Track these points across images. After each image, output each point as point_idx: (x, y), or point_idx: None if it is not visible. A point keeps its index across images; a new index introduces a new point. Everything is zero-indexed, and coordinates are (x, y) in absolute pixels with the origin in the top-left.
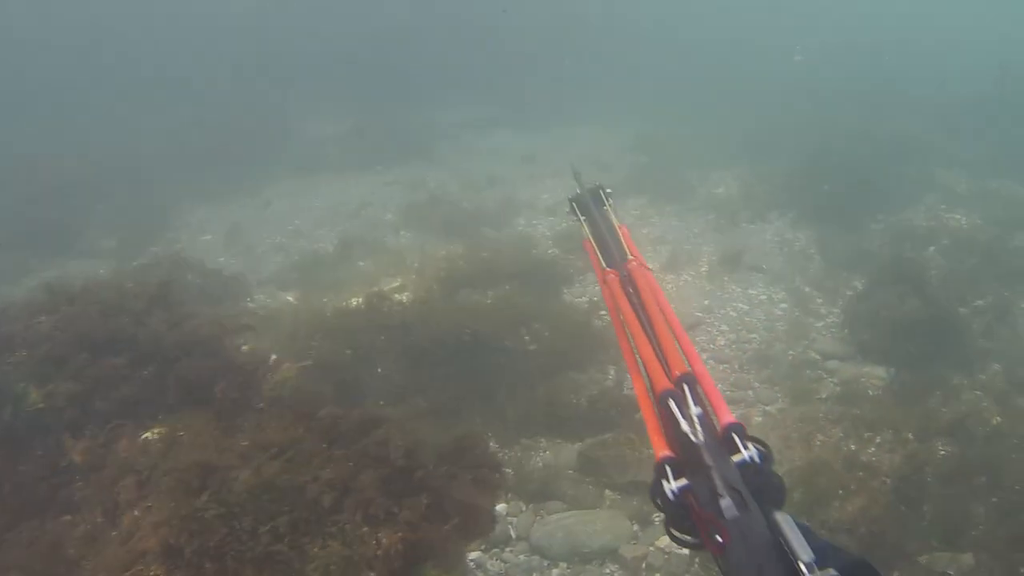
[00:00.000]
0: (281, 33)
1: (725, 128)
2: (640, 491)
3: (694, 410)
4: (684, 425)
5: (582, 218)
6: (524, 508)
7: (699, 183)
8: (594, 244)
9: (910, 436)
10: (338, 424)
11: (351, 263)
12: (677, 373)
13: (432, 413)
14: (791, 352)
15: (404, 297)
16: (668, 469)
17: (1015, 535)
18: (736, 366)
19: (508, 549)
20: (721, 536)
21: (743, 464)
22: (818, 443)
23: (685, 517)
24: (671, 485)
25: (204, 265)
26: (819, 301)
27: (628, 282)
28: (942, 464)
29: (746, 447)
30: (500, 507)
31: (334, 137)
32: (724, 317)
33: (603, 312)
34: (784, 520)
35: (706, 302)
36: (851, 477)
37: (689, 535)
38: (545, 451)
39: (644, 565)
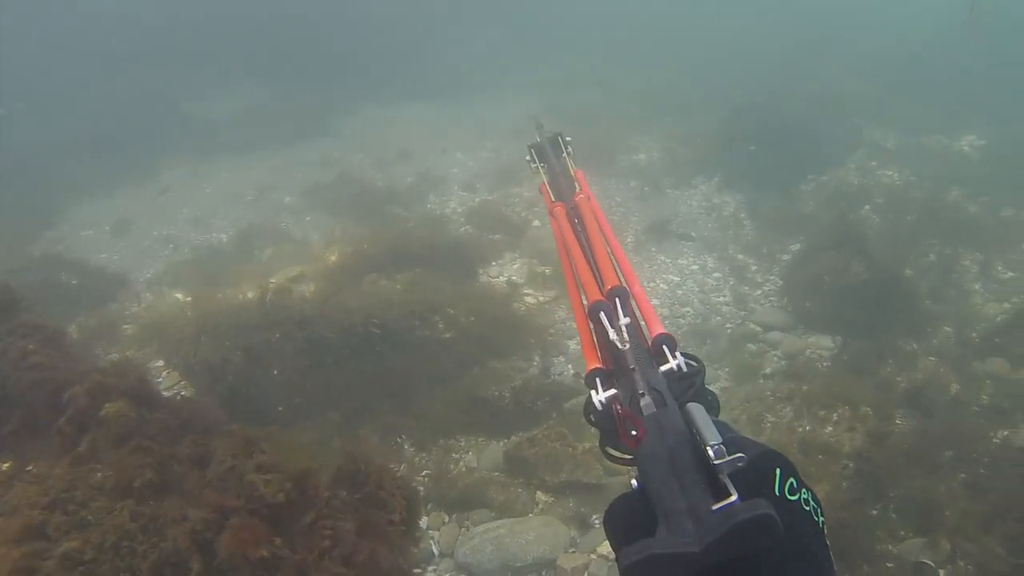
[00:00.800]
0: (166, 14)
1: (647, 93)
2: (577, 491)
3: (622, 320)
4: (612, 334)
5: (542, 165)
6: (447, 520)
7: (620, 150)
8: (548, 185)
9: (868, 411)
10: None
11: (250, 254)
12: (609, 287)
13: (333, 419)
14: (729, 325)
15: (305, 287)
16: (597, 380)
17: (989, 515)
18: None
19: (431, 569)
20: (636, 430)
21: (669, 372)
22: (769, 425)
23: (615, 431)
24: (599, 396)
25: (86, 264)
26: (754, 268)
27: (575, 214)
28: (905, 440)
29: (674, 357)
30: (420, 521)
31: (232, 118)
32: (654, 291)
33: (525, 292)
34: (695, 408)
35: None
36: (809, 462)
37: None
38: (467, 452)
39: (586, 575)
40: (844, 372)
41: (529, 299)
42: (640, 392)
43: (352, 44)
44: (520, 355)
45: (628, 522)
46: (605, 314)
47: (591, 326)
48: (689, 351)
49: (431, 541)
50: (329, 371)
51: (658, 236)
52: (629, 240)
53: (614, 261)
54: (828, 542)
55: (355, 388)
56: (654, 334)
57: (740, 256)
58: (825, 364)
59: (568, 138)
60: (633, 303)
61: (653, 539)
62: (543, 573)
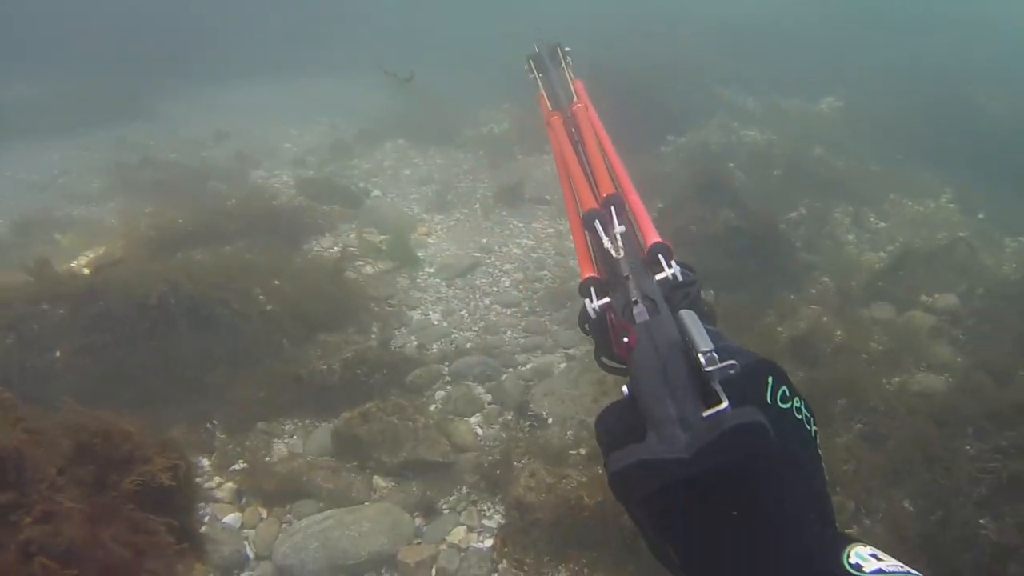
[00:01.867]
0: None
1: (497, 64)
2: (421, 472)
3: (617, 228)
4: (606, 242)
5: (539, 75)
6: (264, 515)
7: (468, 122)
8: (545, 95)
9: None
10: None
11: (38, 242)
12: (604, 195)
13: (129, 405)
14: None
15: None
16: (592, 289)
17: (893, 467)
18: (527, 308)
19: (244, 575)
20: (629, 339)
21: (664, 281)
22: None
23: (609, 341)
24: (593, 304)
25: None
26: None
27: (571, 123)
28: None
29: (670, 265)
30: (231, 518)
31: (26, 100)
32: (507, 256)
33: (362, 262)
34: (688, 316)
35: (484, 240)
36: None
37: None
38: (292, 436)
39: (434, 570)
40: (722, 326)
41: (368, 269)
42: (633, 300)
43: (175, 22)
44: (356, 327)
45: (618, 428)
46: (600, 222)
47: (587, 235)
48: (684, 262)
49: (245, 542)
50: (123, 351)
51: (510, 201)
52: (478, 206)
53: (611, 170)
54: (820, 452)
55: (157, 370)
56: (649, 242)
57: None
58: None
59: (567, 48)
60: (630, 212)
61: (642, 445)
62: (382, 571)
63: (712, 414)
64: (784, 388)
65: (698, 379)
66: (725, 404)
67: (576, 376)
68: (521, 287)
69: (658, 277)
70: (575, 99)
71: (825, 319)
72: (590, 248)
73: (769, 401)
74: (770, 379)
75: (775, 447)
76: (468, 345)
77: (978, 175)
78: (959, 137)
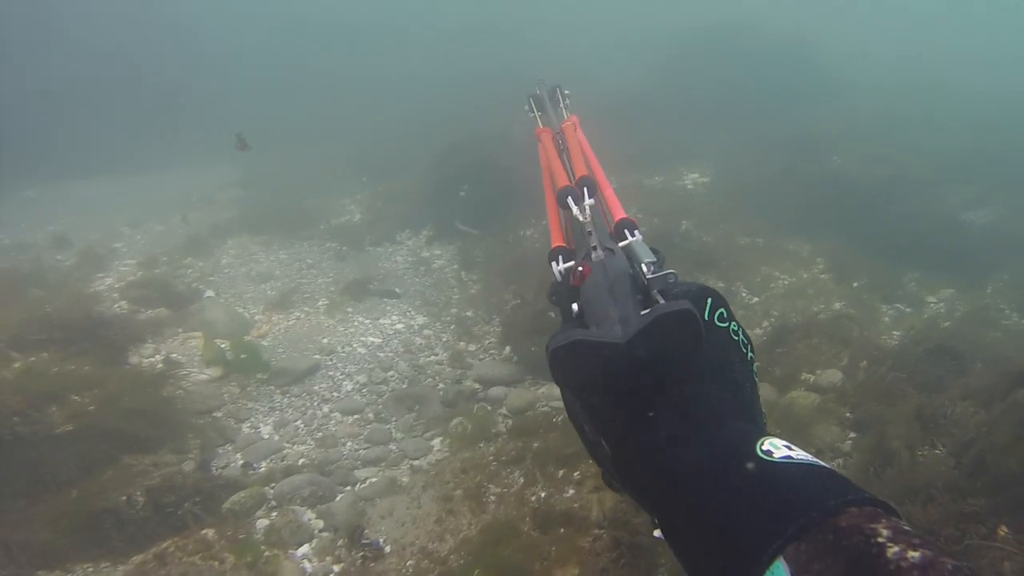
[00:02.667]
0: None
1: (344, 150)
2: None
3: (587, 201)
4: (575, 211)
5: (537, 114)
6: None
7: (317, 212)
8: (540, 123)
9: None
10: None
11: None
12: (578, 176)
13: None
14: (442, 386)
15: None
16: (559, 256)
17: None
18: (371, 414)
19: None
20: (583, 269)
21: (627, 247)
22: (493, 498)
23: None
24: (559, 267)
25: None
26: (471, 320)
27: (560, 138)
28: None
29: (633, 235)
30: None
31: None
32: (350, 356)
33: (187, 371)
34: (636, 242)
35: (326, 340)
36: (549, 538)
37: None
38: None
39: None
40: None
41: (193, 378)
42: (593, 246)
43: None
44: (172, 447)
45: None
46: (572, 197)
47: (560, 212)
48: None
49: None
50: None
51: (356, 295)
52: (321, 303)
53: (589, 168)
54: (756, 377)
55: None
56: (616, 218)
57: (455, 309)
58: (561, 417)
59: (567, 91)
60: (600, 196)
61: (581, 329)
62: None
63: (648, 310)
64: (722, 310)
65: (641, 293)
66: (660, 301)
67: (419, 492)
68: (365, 391)
69: (622, 244)
70: (566, 118)
71: None
72: (562, 223)
73: (707, 317)
74: (709, 300)
75: (705, 347)
76: (301, 461)
77: (848, 242)
78: (824, 206)
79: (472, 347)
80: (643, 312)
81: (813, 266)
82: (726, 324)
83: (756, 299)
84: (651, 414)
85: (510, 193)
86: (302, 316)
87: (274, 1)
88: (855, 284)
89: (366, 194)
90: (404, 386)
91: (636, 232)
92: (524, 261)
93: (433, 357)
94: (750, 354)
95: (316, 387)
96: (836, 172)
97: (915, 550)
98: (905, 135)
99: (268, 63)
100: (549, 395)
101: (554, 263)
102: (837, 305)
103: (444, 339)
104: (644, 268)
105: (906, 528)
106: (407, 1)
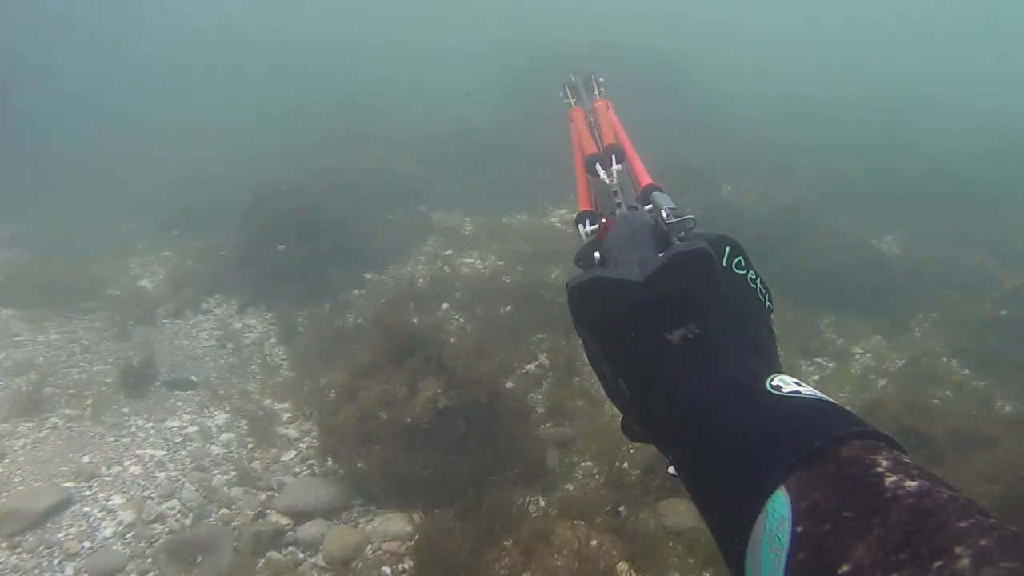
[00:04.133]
0: None
1: (156, 195)
2: None
3: (615, 167)
4: (602, 175)
5: (573, 100)
6: None
7: (109, 275)
8: (572, 103)
9: None
10: None
11: None
12: (607, 144)
13: None
14: (238, 520)
15: None
16: (586, 219)
17: None
18: (133, 570)
19: None
20: (606, 222)
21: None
22: None
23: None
24: (585, 228)
25: None
26: (286, 418)
27: (592, 116)
28: None
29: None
30: None
31: None
32: (118, 480)
33: None
34: (659, 193)
35: (87, 458)
36: None
37: None
38: None
39: None
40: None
41: None
42: (617, 203)
43: None
44: None
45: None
46: (600, 163)
47: (588, 178)
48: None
49: None
50: None
51: (136, 389)
52: (90, 403)
53: (617, 139)
54: (774, 327)
55: None
56: (642, 184)
57: (267, 401)
58: (405, 568)
59: (602, 78)
60: (628, 165)
61: (601, 268)
62: None
63: (665, 252)
64: (740, 258)
65: (662, 240)
66: (677, 243)
67: None
68: (130, 536)
69: (648, 207)
70: (597, 98)
71: (594, 541)
72: (590, 192)
73: (725, 263)
74: (727, 248)
75: (722, 289)
76: None
77: None
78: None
79: (286, 456)
80: (660, 254)
81: None
82: (744, 271)
83: None
84: (667, 350)
85: (345, 248)
86: (60, 423)
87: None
88: None
89: (175, 250)
90: (187, 523)
91: (662, 191)
92: (349, 333)
93: (230, 476)
94: (768, 303)
95: (61, 534)
96: (728, 203)
97: (913, 479)
98: (791, 160)
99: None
100: (384, 532)
101: (580, 226)
102: None
103: (248, 447)
104: (664, 214)
105: (906, 460)
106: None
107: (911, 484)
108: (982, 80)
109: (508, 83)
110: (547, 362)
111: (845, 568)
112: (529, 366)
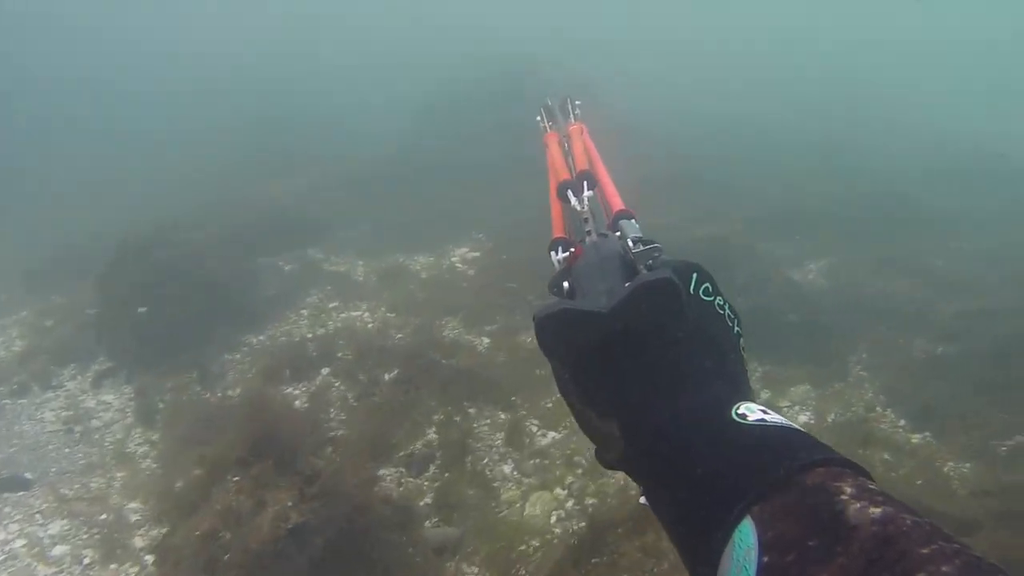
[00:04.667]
0: None
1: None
2: None
3: (586, 193)
4: (573, 201)
5: (549, 124)
6: None
7: None
8: (548, 127)
9: None
10: None
11: None
12: (578, 170)
13: None
14: None
15: None
16: (559, 247)
17: None
18: None
19: None
20: (575, 250)
21: (629, 239)
22: None
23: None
24: (557, 256)
25: None
26: (135, 519)
27: (565, 140)
28: None
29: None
30: None
31: None
32: None
33: None
34: (626, 222)
35: None
36: None
37: None
38: None
39: None
40: None
41: None
42: (587, 231)
43: None
44: None
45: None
46: (571, 190)
47: (562, 206)
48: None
49: None
50: None
51: None
52: None
53: (591, 165)
54: (744, 351)
55: None
56: (614, 210)
57: (114, 498)
58: None
59: (578, 101)
60: (600, 191)
61: (567, 300)
62: None
63: (631, 282)
64: (707, 285)
65: (629, 269)
66: (644, 272)
67: None
68: None
69: (617, 234)
70: (572, 122)
71: None
72: (564, 219)
73: (692, 291)
74: (695, 275)
75: (688, 317)
76: None
77: None
78: None
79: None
80: (627, 284)
81: None
82: (711, 298)
83: (553, 435)
84: (633, 381)
85: (223, 304)
86: None
87: None
88: None
89: (34, 311)
90: None
91: (631, 218)
92: (216, 412)
93: None
94: (736, 328)
95: None
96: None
97: (877, 506)
98: (706, 188)
99: None
100: None
101: (553, 253)
102: None
103: (85, 562)
104: (630, 243)
105: (871, 487)
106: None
107: (875, 511)
108: (920, 100)
109: (434, 100)
110: (436, 438)
111: None
112: (415, 445)
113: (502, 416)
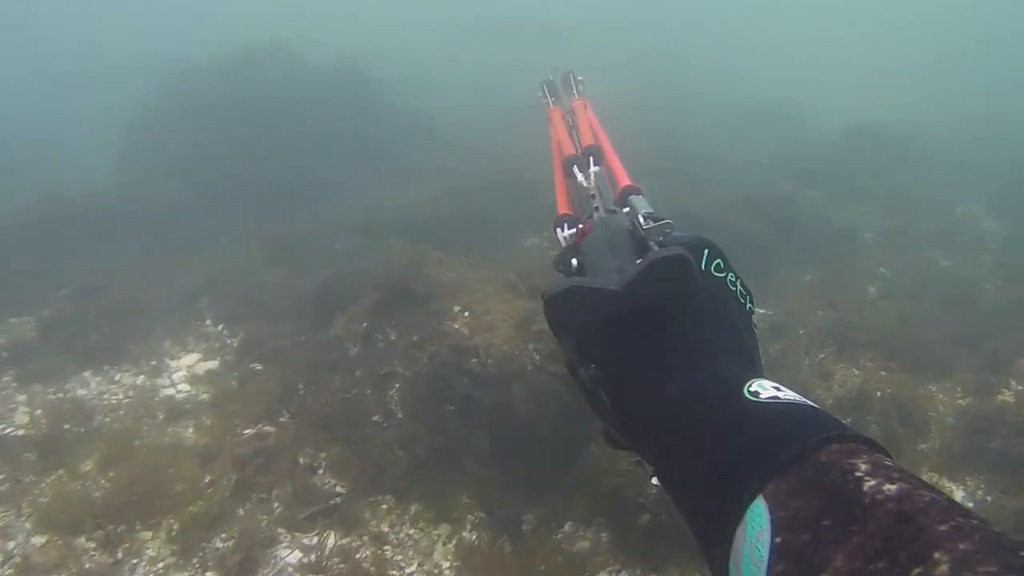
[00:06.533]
0: None
1: None
2: None
3: (592, 169)
4: (580, 177)
5: (551, 100)
6: None
7: None
8: (551, 103)
9: None
10: None
11: None
12: (584, 146)
13: None
14: None
15: None
16: (564, 223)
17: None
18: None
19: None
20: (584, 226)
21: (639, 216)
22: None
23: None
24: (563, 233)
25: None
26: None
27: (570, 116)
28: None
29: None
30: None
31: None
32: None
33: None
34: (636, 198)
35: None
36: None
37: None
38: None
39: None
40: None
41: None
42: (595, 207)
43: None
44: None
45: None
46: (577, 166)
47: (567, 182)
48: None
49: None
50: None
51: None
52: None
53: (596, 139)
54: (755, 327)
55: None
56: (621, 185)
57: None
58: None
59: (580, 77)
60: (607, 166)
61: (578, 278)
62: None
63: (643, 259)
64: (719, 261)
65: (639, 246)
66: (655, 248)
67: None
68: None
69: (626, 210)
70: (576, 98)
71: None
72: (569, 194)
73: (703, 267)
74: (706, 251)
75: (700, 293)
76: None
77: None
78: None
79: None
80: (638, 261)
81: None
82: (723, 274)
83: None
84: (645, 359)
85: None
86: None
87: None
88: None
89: None
90: None
91: (639, 193)
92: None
93: None
94: (749, 304)
95: None
96: None
97: (893, 483)
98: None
99: None
100: None
101: (559, 230)
102: None
103: None
104: (641, 220)
105: (886, 463)
106: None
107: (891, 488)
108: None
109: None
110: None
111: None
112: None
113: None
